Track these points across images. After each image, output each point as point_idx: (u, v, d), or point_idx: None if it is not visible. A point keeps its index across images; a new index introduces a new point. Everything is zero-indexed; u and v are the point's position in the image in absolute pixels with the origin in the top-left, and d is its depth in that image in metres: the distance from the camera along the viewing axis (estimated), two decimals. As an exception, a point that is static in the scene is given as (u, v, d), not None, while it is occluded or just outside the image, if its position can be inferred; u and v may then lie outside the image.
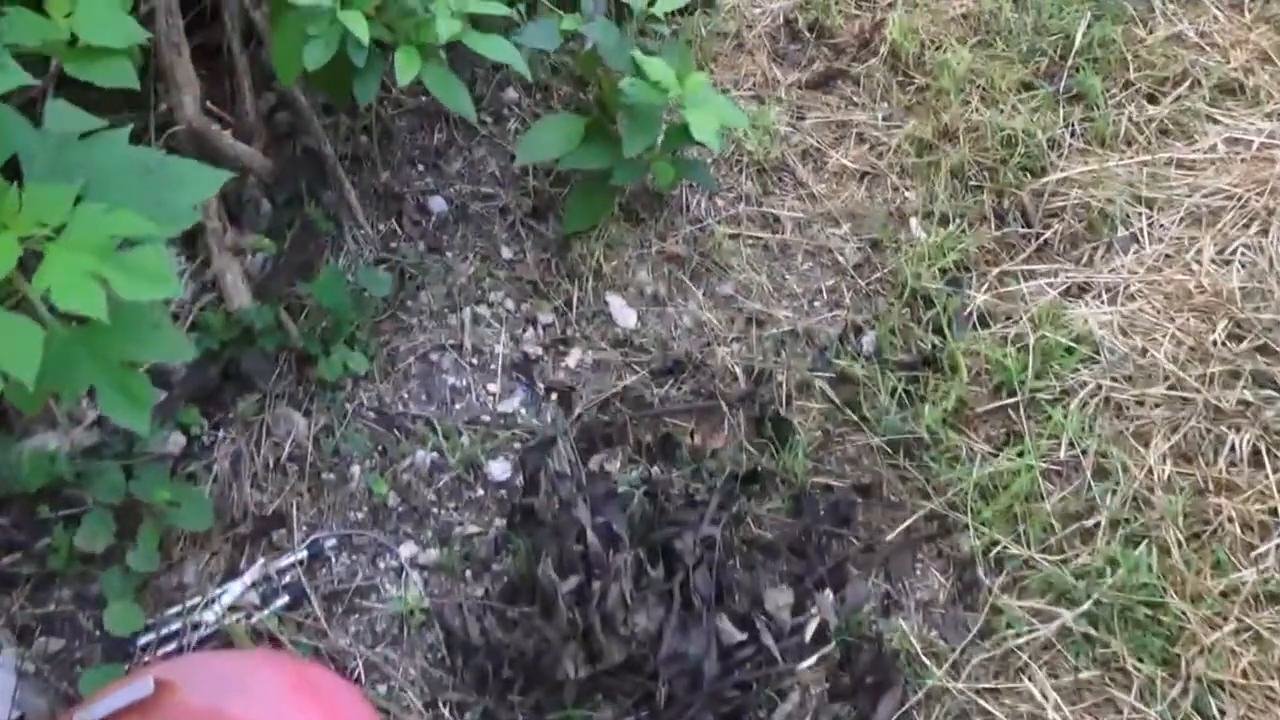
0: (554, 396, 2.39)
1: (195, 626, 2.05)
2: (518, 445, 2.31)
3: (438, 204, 2.65)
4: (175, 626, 2.05)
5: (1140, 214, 2.59)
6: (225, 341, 2.23)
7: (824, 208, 2.69)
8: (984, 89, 2.87)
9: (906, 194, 2.71)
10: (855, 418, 2.34)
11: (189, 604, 2.08)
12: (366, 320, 2.40)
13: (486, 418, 2.35)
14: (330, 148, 2.45)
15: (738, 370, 2.42)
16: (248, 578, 2.11)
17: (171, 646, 2.03)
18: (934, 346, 2.41)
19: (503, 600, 2.08)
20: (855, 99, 2.93)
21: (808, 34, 3.06)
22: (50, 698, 1.97)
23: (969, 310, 2.46)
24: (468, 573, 2.17)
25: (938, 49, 2.97)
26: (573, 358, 2.45)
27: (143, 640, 2.03)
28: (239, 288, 2.26)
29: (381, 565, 2.19)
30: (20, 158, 1.44)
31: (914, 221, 2.65)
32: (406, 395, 2.37)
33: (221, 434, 2.28)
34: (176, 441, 2.23)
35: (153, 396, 1.49)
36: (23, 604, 2.06)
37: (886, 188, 2.73)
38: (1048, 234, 2.58)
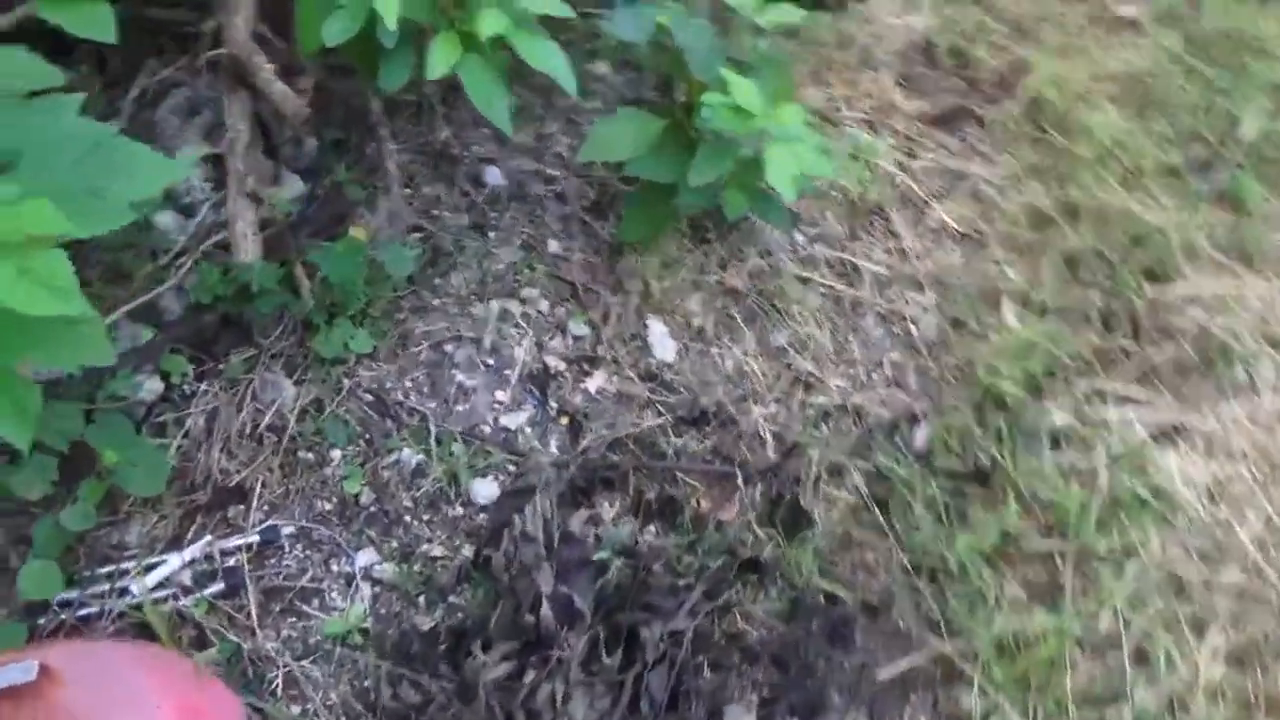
0: (565, 421, 2.18)
1: (122, 593, 1.91)
2: (511, 468, 2.11)
3: (493, 175, 2.42)
4: (103, 588, 1.91)
5: (1266, 356, 2.25)
6: (219, 297, 2.04)
7: (912, 268, 2.40)
8: (1125, 166, 2.53)
9: (1008, 271, 2.40)
10: (884, 522, 2.09)
11: (122, 567, 1.93)
12: (383, 295, 2.20)
13: (486, 428, 2.14)
14: (377, 100, 2.22)
15: (769, 436, 2.17)
16: (189, 553, 1.95)
17: (93, 609, 1.89)
18: (992, 460, 2.13)
19: (449, 641, 1.89)
20: (978, 146, 2.61)
21: (944, 60, 2.74)
22: (-41, 639, 1.85)
23: (1043, 427, 2.17)
24: (421, 599, 1.98)
25: (1085, 106, 2.63)
26: (595, 381, 2.22)
27: (65, 596, 1.89)
28: (248, 239, 2.06)
29: (334, 568, 2.01)
30: (-55, 109, 1.25)
31: (1008, 305, 2.35)
32: (409, 384, 2.17)
33: (204, 387, 2.11)
34: (153, 388, 2.07)
35: (39, 405, 1.30)
36: (-48, 533, 1.94)
37: (987, 259, 2.42)
38: (1155, 356, 2.27)
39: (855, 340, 2.31)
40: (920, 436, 2.18)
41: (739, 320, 2.30)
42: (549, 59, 1.76)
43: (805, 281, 2.36)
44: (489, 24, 1.64)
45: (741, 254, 2.37)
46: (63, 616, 1.88)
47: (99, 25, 1.42)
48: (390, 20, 1.59)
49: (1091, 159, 2.52)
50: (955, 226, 2.46)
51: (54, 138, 1.26)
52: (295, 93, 2.18)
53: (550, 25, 2.10)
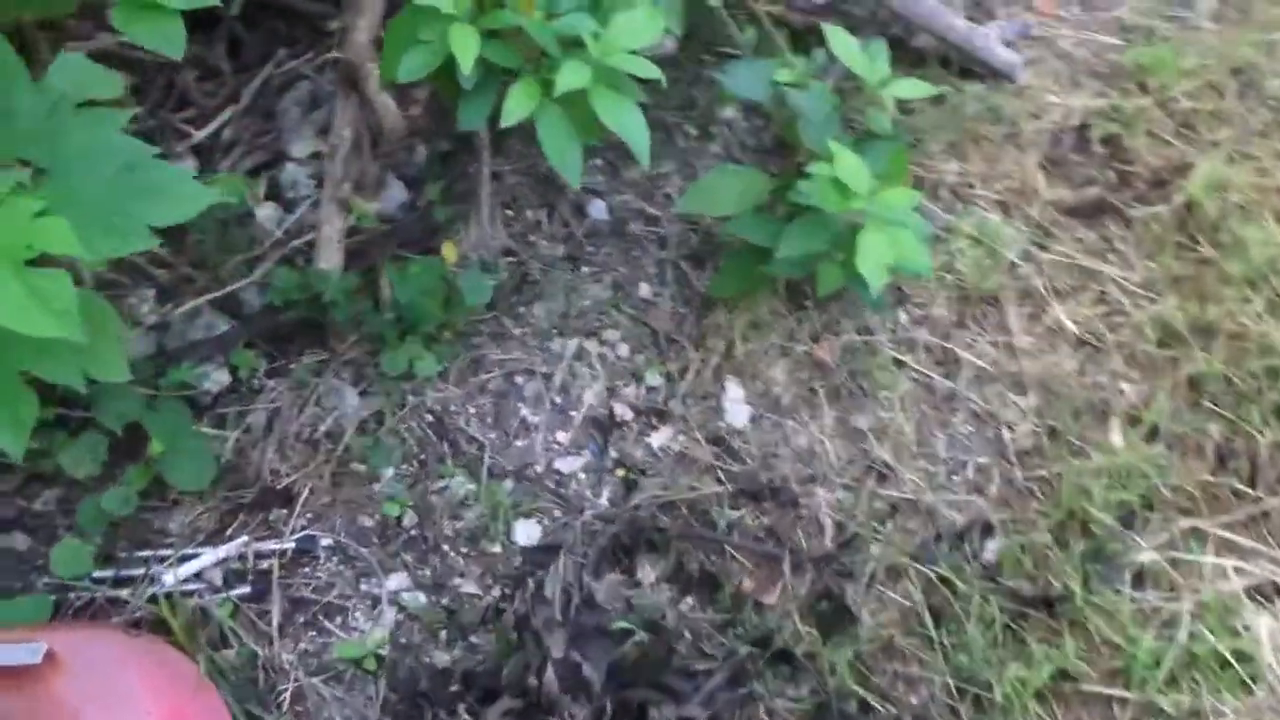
0: (620, 473, 2.11)
1: (153, 580, 1.92)
2: (557, 513, 2.05)
3: (597, 209, 2.37)
4: (137, 572, 1.93)
5: (1397, 525, 2.03)
6: (290, 301, 2.04)
7: (1017, 366, 2.24)
8: (1277, 290, 2.31)
9: (1123, 386, 2.22)
10: (934, 635, 1.95)
11: (159, 554, 1.95)
12: (460, 318, 2.17)
13: (539, 468, 2.10)
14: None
15: (829, 524, 2.06)
16: (223, 551, 1.96)
17: (124, 592, 1.91)
18: (1064, 588, 1.97)
19: (460, 683, 1.86)
20: (1118, 246, 2.42)
21: (1098, 147, 2.55)
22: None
23: (1127, 561, 2.00)
24: (443, 634, 1.95)
25: (1245, 219, 2.41)
26: (660, 437, 2.15)
27: (99, 574, 1.91)
28: (332, 246, 2.06)
29: (363, 588, 1.99)
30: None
31: (1116, 424, 2.17)
32: (473, 411, 2.14)
33: (272, 384, 2.12)
34: (219, 380, 2.09)
35: (35, 416, 1.29)
36: (8, 493, 1.98)
37: (1103, 370, 2.24)
38: (1270, 503, 2.06)
39: (941, 435, 2.17)
40: (991, 549, 2.03)
41: (821, 396, 2.19)
42: (625, 121, 1.67)
43: (900, 365, 2.23)
44: (569, 78, 1.58)
45: (837, 326, 2.26)
46: (94, 594, 1.91)
47: (170, 41, 1.41)
48: (466, 65, 1.54)
49: (1240, 277, 2.31)
50: (1074, 329, 2.29)
51: (95, 151, 1.25)
52: (409, 101, 2.18)
53: (670, 65, 2.04)
